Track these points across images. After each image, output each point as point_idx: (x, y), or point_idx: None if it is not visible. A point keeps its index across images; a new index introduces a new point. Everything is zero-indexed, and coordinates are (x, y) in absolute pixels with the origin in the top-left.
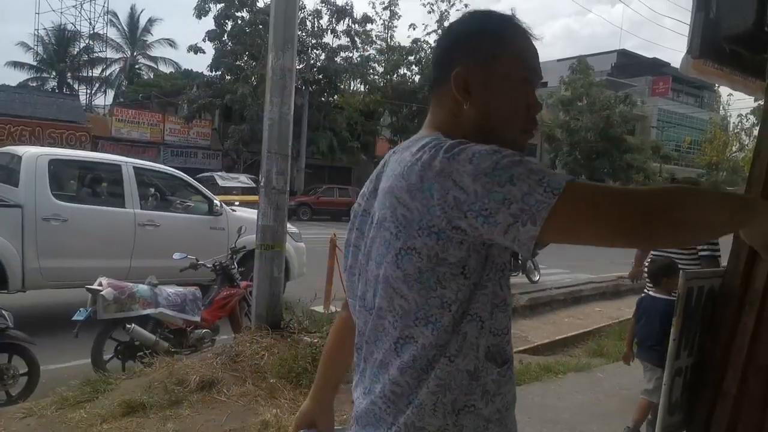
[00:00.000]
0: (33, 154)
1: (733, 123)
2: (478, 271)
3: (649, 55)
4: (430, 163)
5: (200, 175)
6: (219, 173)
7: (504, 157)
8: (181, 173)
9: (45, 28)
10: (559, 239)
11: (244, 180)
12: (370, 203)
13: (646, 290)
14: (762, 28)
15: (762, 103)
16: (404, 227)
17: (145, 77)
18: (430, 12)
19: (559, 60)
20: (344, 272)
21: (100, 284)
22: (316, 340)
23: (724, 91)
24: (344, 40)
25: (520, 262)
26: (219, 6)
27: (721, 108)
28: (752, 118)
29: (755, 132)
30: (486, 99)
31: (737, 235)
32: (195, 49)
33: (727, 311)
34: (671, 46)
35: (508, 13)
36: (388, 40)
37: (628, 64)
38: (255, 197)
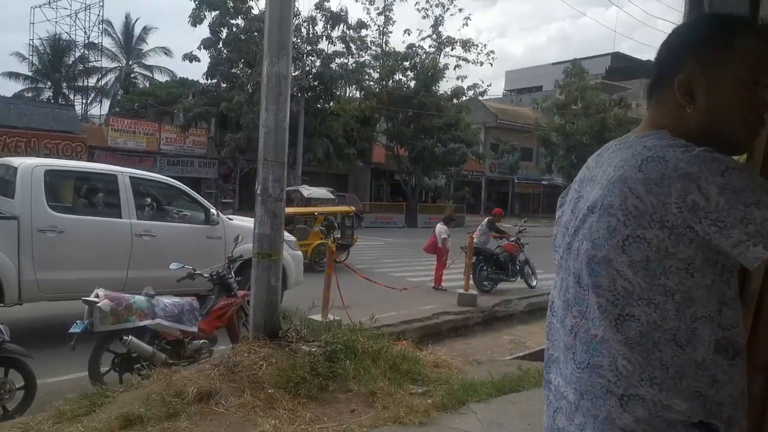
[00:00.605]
0: (28, 165)
1: None
2: (704, 272)
3: (643, 57)
4: (675, 164)
5: (289, 188)
6: (304, 186)
7: (755, 181)
8: (178, 182)
9: (40, 38)
10: None
11: (324, 192)
12: (584, 189)
13: None
14: None
15: None
16: (634, 216)
17: (141, 86)
18: (424, 17)
19: (553, 63)
20: (553, 250)
21: (97, 296)
22: (314, 349)
23: None
24: (339, 47)
25: (518, 267)
26: (214, 14)
27: None
28: None
29: None
30: (710, 104)
31: None
32: (190, 58)
33: None
34: None
35: (740, 15)
36: (383, 45)
37: (623, 66)
38: (341, 208)
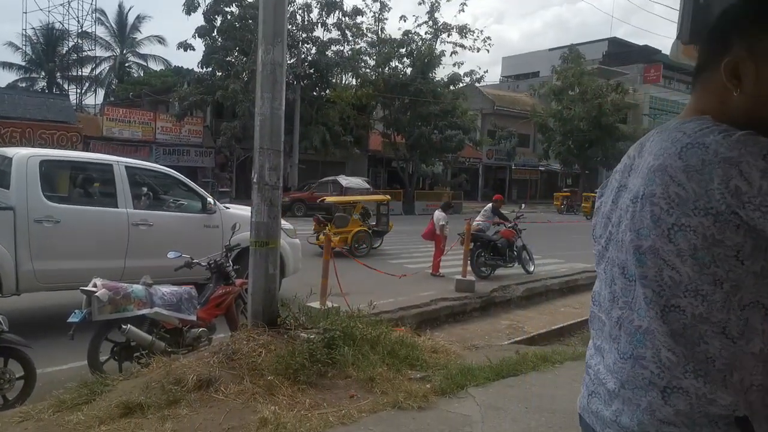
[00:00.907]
0: (23, 155)
1: None
2: (755, 258)
3: (640, 42)
4: (716, 149)
5: (324, 179)
6: (341, 176)
7: None
8: (174, 171)
9: (33, 28)
10: None
11: (360, 182)
12: (626, 179)
13: None
14: None
15: None
16: (677, 205)
17: (136, 75)
18: (420, 3)
19: (550, 49)
20: (593, 240)
21: (95, 285)
22: (313, 336)
23: None
24: (335, 34)
25: (515, 253)
26: (208, 1)
27: None
28: None
29: None
30: (758, 89)
31: None
32: (185, 46)
33: None
34: (662, 33)
35: None
36: (379, 32)
37: (620, 52)
38: (377, 196)
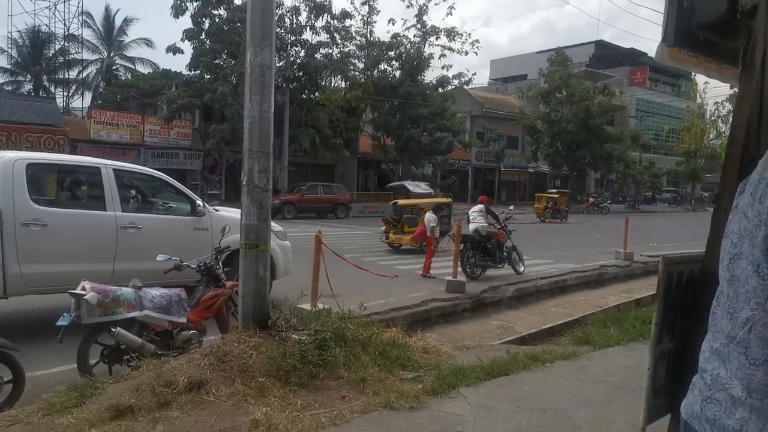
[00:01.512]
0: (10, 158)
1: (710, 111)
2: None
3: (626, 45)
4: None
5: (390, 184)
6: (407, 182)
7: None
8: (162, 174)
9: (19, 31)
10: None
11: (424, 186)
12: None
13: None
14: (734, 15)
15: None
16: None
17: (123, 78)
18: (408, 6)
19: (538, 52)
20: (724, 237)
21: (83, 288)
22: (304, 338)
23: (700, 79)
24: (323, 37)
25: (505, 254)
26: (196, 4)
27: (697, 96)
28: (728, 106)
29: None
30: None
31: (714, 222)
32: (173, 50)
33: (707, 295)
34: (648, 36)
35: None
36: (368, 35)
37: (606, 54)
38: (440, 199)
